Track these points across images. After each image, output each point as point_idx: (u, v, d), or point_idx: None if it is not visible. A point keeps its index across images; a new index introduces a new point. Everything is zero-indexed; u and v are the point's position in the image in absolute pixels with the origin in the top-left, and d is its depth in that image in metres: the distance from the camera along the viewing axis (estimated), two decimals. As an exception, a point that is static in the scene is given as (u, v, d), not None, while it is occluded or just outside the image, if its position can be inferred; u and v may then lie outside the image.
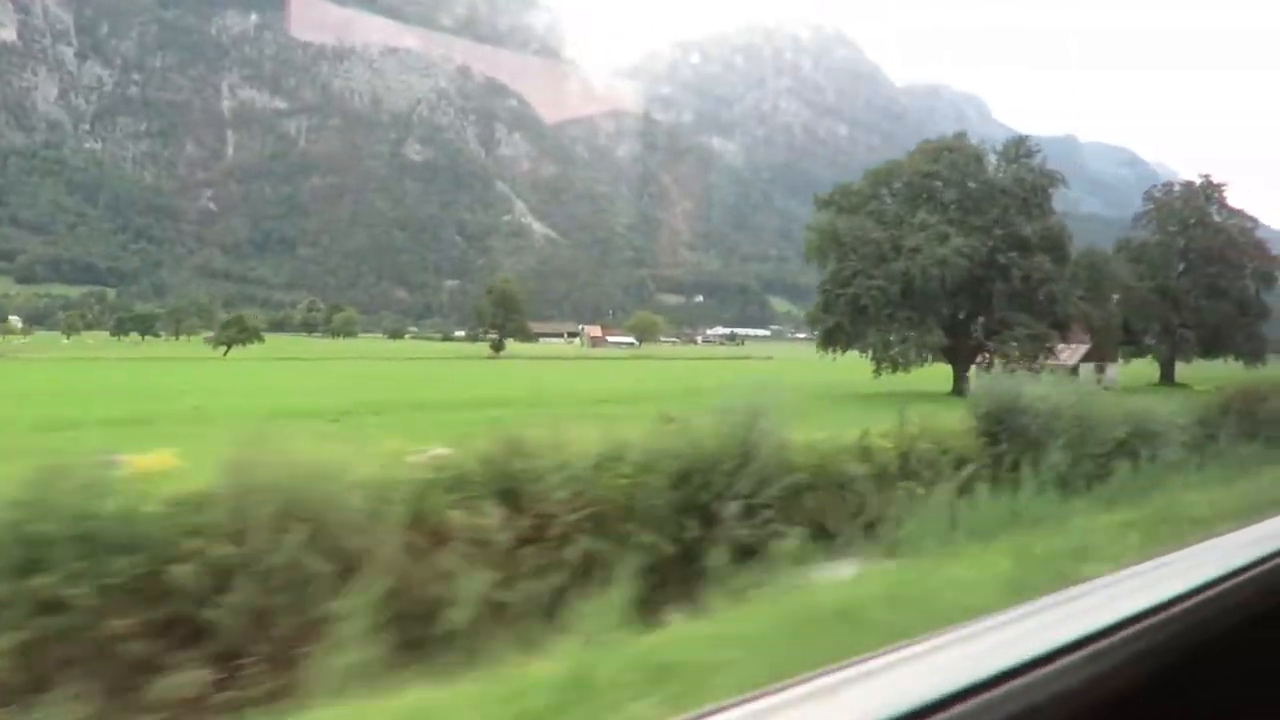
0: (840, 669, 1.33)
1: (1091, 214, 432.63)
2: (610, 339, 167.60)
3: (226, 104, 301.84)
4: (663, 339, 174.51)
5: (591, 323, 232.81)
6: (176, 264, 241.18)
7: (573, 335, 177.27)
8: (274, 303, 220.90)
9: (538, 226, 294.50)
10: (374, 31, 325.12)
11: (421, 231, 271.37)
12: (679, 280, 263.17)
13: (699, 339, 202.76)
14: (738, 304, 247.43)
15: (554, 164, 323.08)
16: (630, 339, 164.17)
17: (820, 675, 1.31)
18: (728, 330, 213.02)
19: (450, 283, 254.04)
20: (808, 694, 1.26)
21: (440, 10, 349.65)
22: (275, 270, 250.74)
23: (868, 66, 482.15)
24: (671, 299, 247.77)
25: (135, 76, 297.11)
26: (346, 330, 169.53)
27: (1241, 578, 1.90)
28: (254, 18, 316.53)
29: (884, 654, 1.39)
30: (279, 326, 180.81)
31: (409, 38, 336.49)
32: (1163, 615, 1.64)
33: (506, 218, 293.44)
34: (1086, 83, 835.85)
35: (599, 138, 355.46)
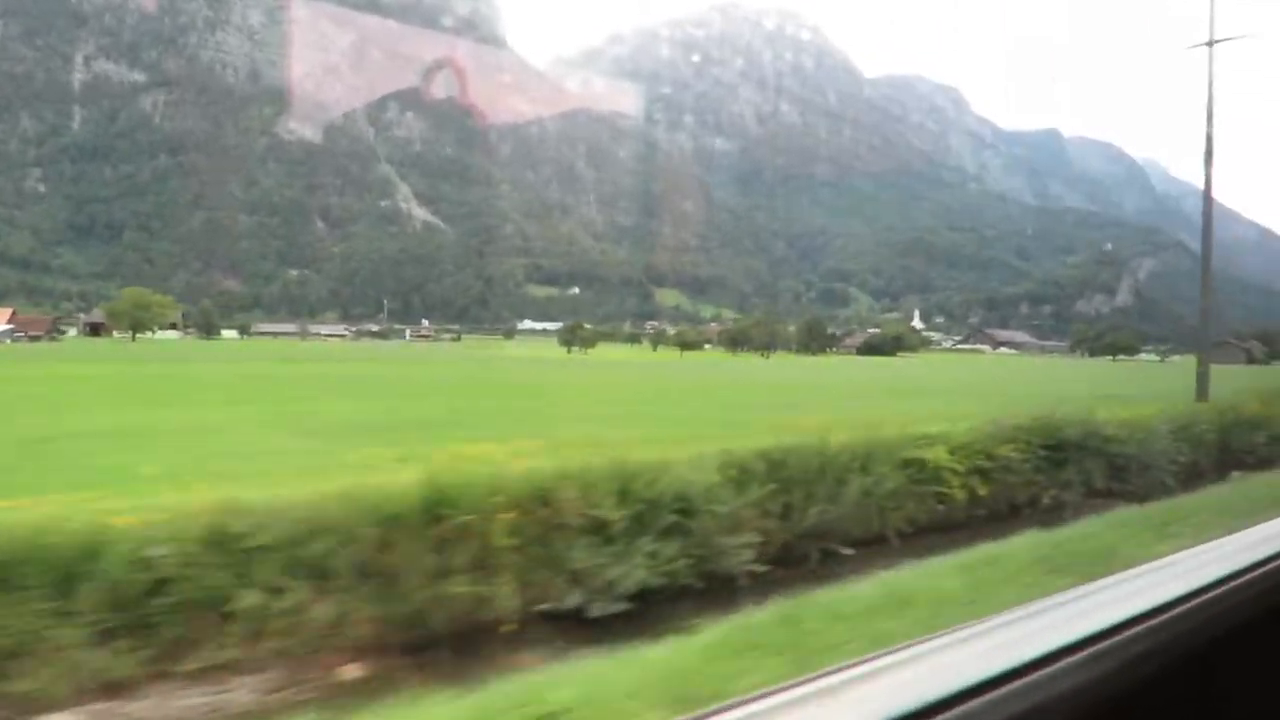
0: (844, 668, 1.31)
1: (1073, 208, 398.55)
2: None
3: (78, 77, 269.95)
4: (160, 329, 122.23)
5: (450, 318, 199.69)
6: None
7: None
8: (59, 293, 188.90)
9: (419, 212, 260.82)
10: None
11: (273, 216, 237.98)
12: (558, 271, 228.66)
13: (407, 334, 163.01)
14: (618, 296, 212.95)
15: (453, 147, 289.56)
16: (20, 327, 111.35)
17: (824, 675, 1.29)
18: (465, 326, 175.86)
19: (294, 272, 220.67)
20: (811, 693, 1.24)
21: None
22: (91, 258, 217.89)
23: (832, 53, 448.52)
24: (543, 291, 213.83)
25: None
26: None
27: (1244, 579, 1.87)
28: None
29: (887, 653, 1.37)
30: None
31: (299, 8, 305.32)
32: (1165, 616, 1.61)
33: (385, 203, 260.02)
34: (1072, 77, 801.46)
35: (520, 124, 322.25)
